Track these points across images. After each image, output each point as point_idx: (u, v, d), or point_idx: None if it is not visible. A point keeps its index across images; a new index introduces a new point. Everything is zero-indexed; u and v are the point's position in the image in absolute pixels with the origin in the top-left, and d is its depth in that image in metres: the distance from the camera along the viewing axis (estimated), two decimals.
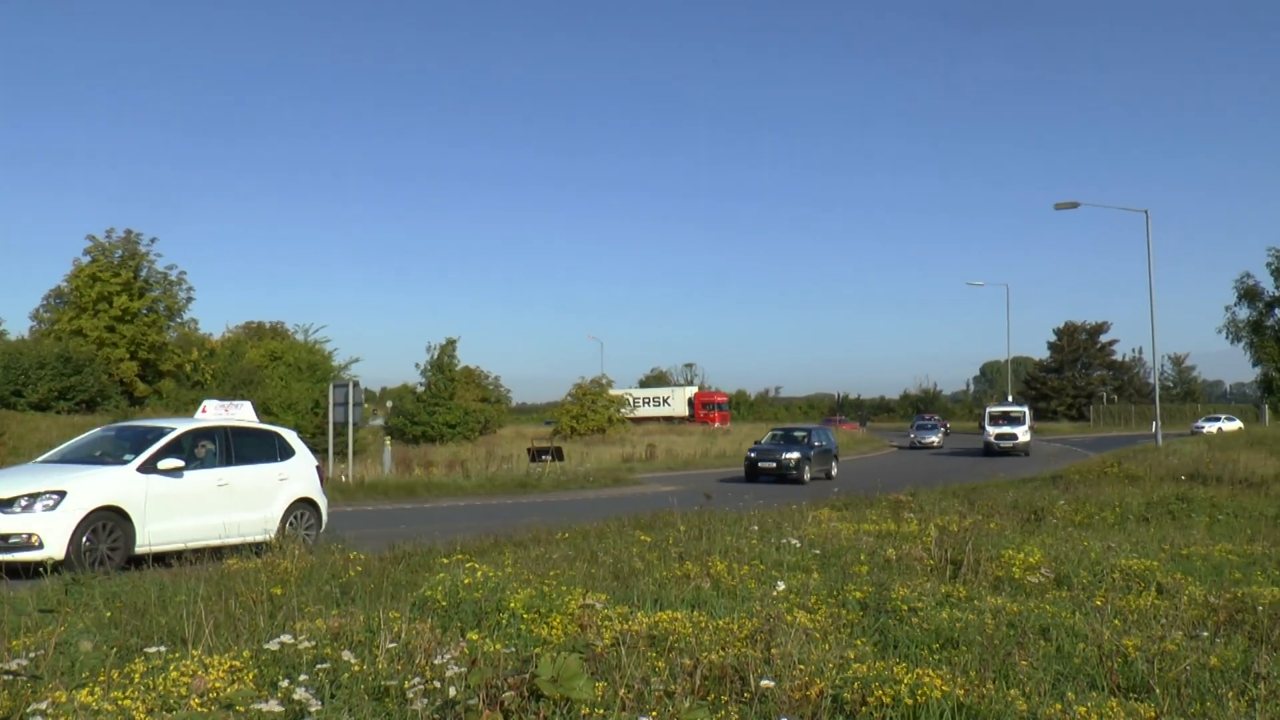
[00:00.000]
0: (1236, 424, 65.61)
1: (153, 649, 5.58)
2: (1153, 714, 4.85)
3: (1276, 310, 21.21)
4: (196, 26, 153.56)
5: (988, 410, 54.82)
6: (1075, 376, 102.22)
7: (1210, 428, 63.91)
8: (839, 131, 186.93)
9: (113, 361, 41.84)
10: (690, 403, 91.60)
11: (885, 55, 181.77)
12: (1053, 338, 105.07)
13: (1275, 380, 21.32)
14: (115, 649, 6.33)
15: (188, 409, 42.66)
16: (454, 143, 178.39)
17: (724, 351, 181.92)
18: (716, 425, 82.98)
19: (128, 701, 4.70)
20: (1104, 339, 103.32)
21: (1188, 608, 7.50)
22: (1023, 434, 50.99)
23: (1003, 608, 7.38)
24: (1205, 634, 6.54)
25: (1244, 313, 21.80)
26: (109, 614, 7.70)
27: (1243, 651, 6.14)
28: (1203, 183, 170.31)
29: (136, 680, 5.06)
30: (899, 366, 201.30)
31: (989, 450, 50.64)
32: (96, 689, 4.90)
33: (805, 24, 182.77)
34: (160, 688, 4.89)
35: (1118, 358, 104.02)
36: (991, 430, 51.49)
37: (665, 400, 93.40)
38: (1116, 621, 6.93)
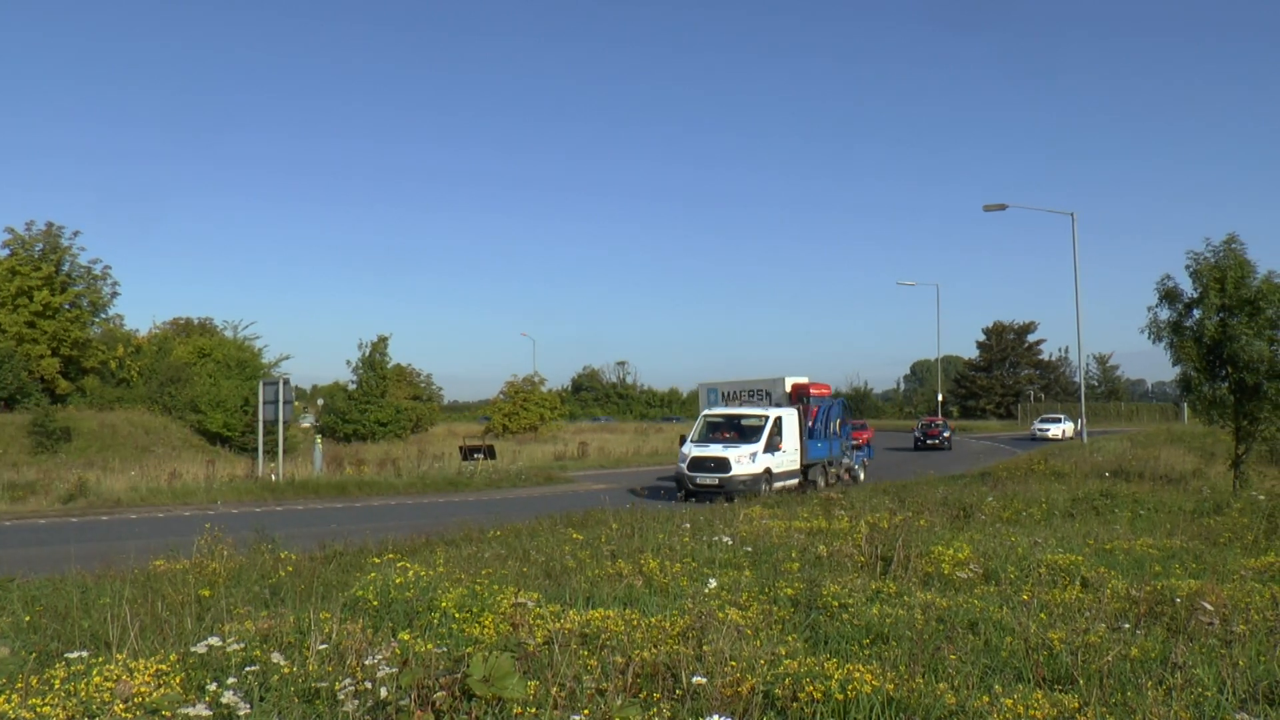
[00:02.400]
0: (1073, 425, 61.53)
1: (74, 654, 5.45)
2: (1076, 705, 4.95)
3: (1195, 312, 21.75)
4: (121, 17, 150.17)
5: (704, 414, 30.63)
6: (1003, 375, 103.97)
7: (1054, 429, 61.01)
8: (771, 133, 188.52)
9: (33, 358, 40.75)
10: (787, 397, 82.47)
11: (817, 59, 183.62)
12: (982, 337, 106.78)
13: (1193, 380, 21.88)
14: (34, 654, 6.18)
15: (112, 408, 41.78)
16: (386, 140, 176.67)
17: (657, 350, 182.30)
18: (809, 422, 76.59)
19: (47, 709, 4.58)
20: (1031, 338, 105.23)
21: (1110, 601, 7.68)
22: (754, 460, 26.69)
23: (932, 603, 7.49)
24: (1127, 626, 6.70)
25: (1165, 314, 22.32)
26: (28, 618, 7.51)
27: (1161, 642, 6.30)
28: (1128, 186, 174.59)
29: (57, 686, 4.94)
30: (831, 365, 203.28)
31: (683, 489, 26.75)
32: (14, 696, 4.77)
33: (740, 26, 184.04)
34: (82, 693, 4.77)
35: (1045, 357, 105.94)
36: (694, 452, 27.19)
37: (766, 393, 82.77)
38: (1042, 615, 7.08)
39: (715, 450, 26.98)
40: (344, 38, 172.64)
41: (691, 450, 27.44)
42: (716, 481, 26.15)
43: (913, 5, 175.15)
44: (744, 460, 26.51)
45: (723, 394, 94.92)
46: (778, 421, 28.44)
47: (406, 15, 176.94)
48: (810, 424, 30.39)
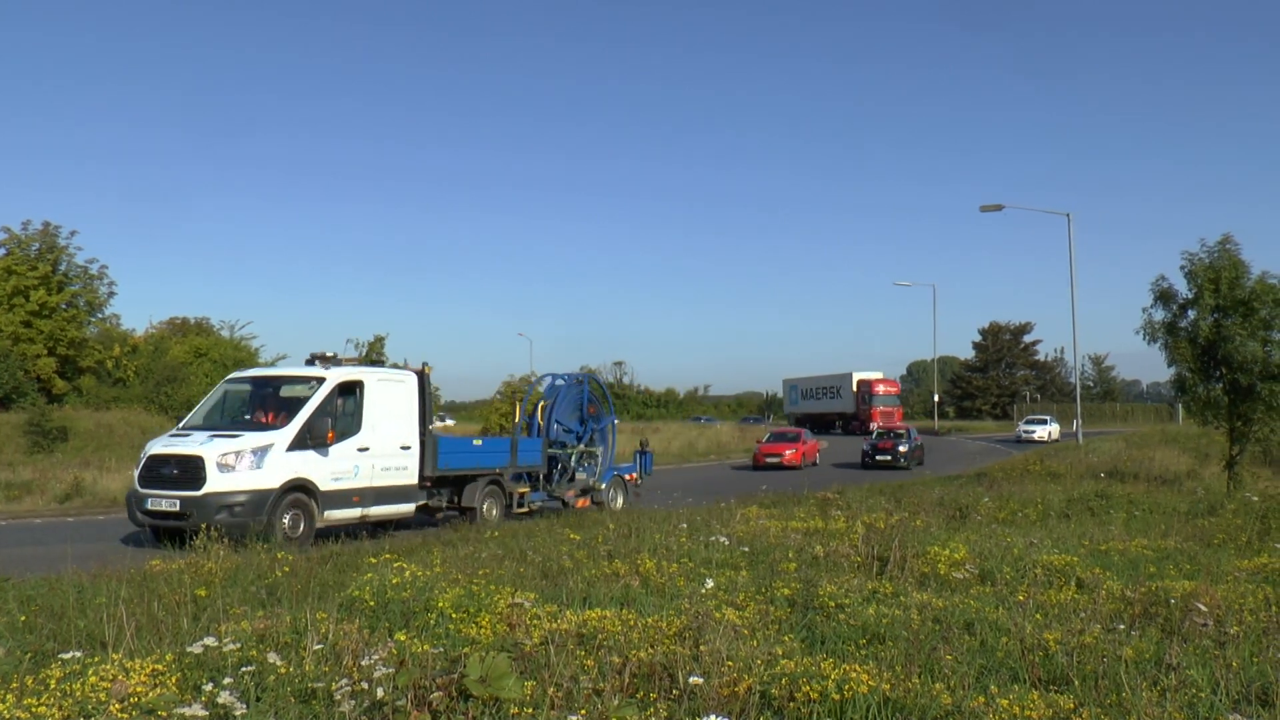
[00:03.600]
0: (1058, 427, 60.70)
1: (70, 654, 5.44)
2: (1072, 705, 4.96)
3: (1190, 312, 21.83)
4: (120, 17, 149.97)
5: (225, 380, 18.27)
6: (999, 376, 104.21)
7: (1040, 431, 58.83)
8: (768, 133, 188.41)
9: (29, 357, 40.72)
10: (854, 395, 68.22)
11: (812, 59, 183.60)
12: (978, 338, 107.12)
13: (1188, 380, 21.95)
14: (30, 654, 6.17)
15: (108, 407, 41.77)
16: (383, 140, 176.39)
17: (653, 350, 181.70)
18: (877, 427, 62.81)
19: (42, 709, 4.58)
20: (1027, 339, 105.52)
21: (1106, 602, 7.70)
22: (260, 464, 14.54)
23: (928, 603, 7.51)
24: (1122, 627, 6.72)
25: (1159, 314, 22.41)
26: (23, 618, 7.49)
27: (1156, 643, 6.31)
28: (1125, 187, 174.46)
29: (52, 686, 4.94)
30: (827, 365, 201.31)
31: (134, 518, 15.31)
32: (9, 696, 4.77)
33: (739, 26, 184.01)
34: (78, 693, 4.77)
35: (1040, 357, 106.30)
36: (155, 448, 15.37)
37: (836, 391, 69.91)
38: (1038, 616, 7.09)
39: (190, 445, 14.84)
40: (341, 38, 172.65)
41: (153, 446, 15.47)
42: (176, 507, 14.39)
43: (908, 5, 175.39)
44: (239, 463, 14.45)
45: (801, 391, 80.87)
46: (342, 393, 16.05)
47: (403, 15, 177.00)
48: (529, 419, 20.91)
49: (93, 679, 4.93)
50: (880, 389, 67.68)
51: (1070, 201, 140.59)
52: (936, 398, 73.01)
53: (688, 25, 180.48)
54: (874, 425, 59.69)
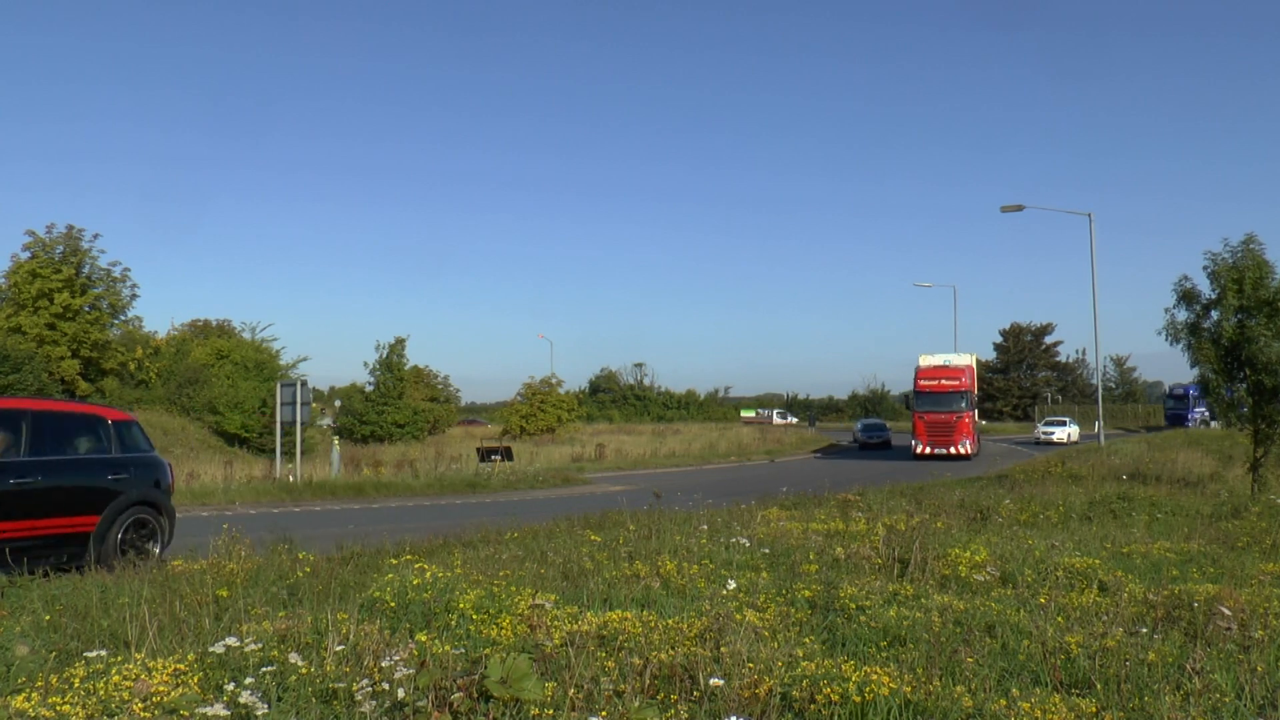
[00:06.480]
0: (1077, 428, 59.69)
1: (93, 653, 5.48)
2: (1094, 709, 4.94)
3: (1213, 313, 21.63)
4: (137, 16, 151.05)
5: None
6: (1020, 377, 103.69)
7: (1059, 433, 57.49)
8: (785, 134, 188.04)
9: (53, 360, 41.02)
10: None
11: (832, 59, 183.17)
12: (999, 339, 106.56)
13: (1211, 382, 21.76)
14: (54, 653, 6.22)
15: (131, 409, 42.06)
16: (402, 141, 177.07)
17: (674, 352, 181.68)
18: (919, 447, 43.94)
19: (67, 707, 4.62)
20: (1049, 340, 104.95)
21: (1128, 605, 7.64)
22: None
23: (949, 605, 7.47)
24: (1144, 630, 6.66)
25: (1182, 315, 22.21)
26: (48, 617, 7.55)
27: (1179, 647, 6.27)
28: (1145, 187, 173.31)
29: (76, 685, 4.97)
30: (847, 367, 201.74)
31: None
32: (34, 694, 4.81)
33: (754, 25, 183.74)
34: (101, 692, 4.81)
35: (1062, 359, 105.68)
36: None
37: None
38: (1060, 619, 7.05)
39: None
40: (362, 41, 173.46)
41: None
42: None
43: (928, 4, 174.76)
44: None
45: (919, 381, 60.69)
46: None
47: (426, 17, 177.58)
48: None
49: (116, 678, 4.96)
50: (924, 381, 45.34)
51: (1091, 201, 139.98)
52: None
53: (705, 25, 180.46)
54: (914, 443, 44.30)
